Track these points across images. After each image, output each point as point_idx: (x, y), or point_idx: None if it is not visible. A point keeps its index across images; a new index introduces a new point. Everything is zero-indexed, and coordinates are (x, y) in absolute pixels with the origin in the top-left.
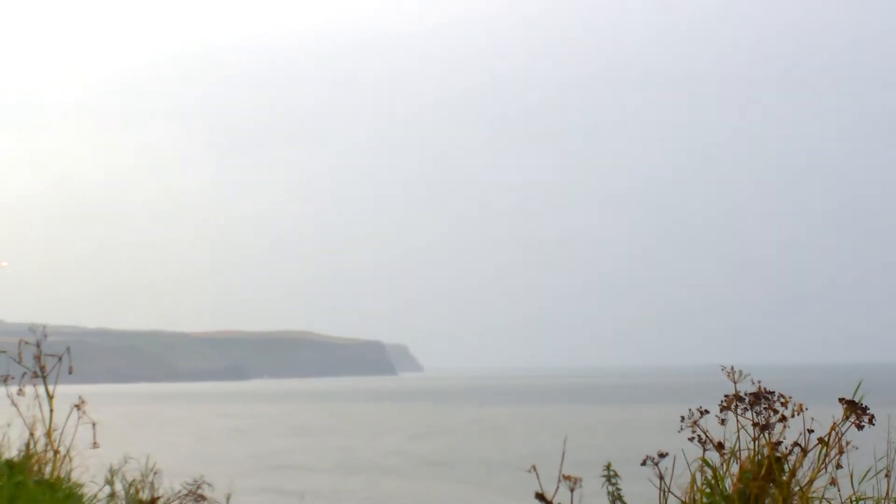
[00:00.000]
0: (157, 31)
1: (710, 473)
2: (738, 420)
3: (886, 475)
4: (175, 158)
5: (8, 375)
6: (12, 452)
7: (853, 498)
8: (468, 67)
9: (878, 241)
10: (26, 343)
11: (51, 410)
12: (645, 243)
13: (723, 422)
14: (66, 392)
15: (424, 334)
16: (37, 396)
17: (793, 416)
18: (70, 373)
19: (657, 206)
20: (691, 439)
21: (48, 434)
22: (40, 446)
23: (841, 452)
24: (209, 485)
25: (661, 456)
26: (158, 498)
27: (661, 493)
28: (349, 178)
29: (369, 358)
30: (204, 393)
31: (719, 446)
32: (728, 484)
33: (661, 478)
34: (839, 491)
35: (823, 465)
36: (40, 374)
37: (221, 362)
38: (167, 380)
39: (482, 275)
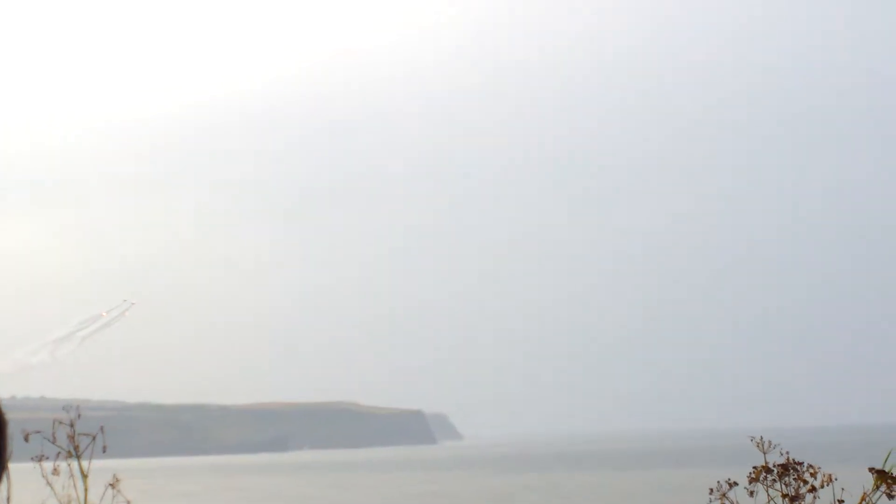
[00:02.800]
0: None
1: None
2: (767, 491)
3: None
4: (217, 229)
5: (42, 456)
6: None
7: None
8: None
9: None
10: (60, 423)
11: (85, 489)
12: (686, 301)
13: (752, 493)
14: (106, 467)
15: (464, 402)
16: (71, 475)
17: (822, 486)
18: (104, 451)
19: (689, 265)
20: None
21: None
22: None
23: None
24: None
25: None
26: None
27: None
28: (388, 245)
29: (409, 427)
30: (241, 465)
31: None
32: None
33: None
34: None
35: None
36: (74, 454)
37: (264, 434)
38: (210, 452)
39: (523, 340)
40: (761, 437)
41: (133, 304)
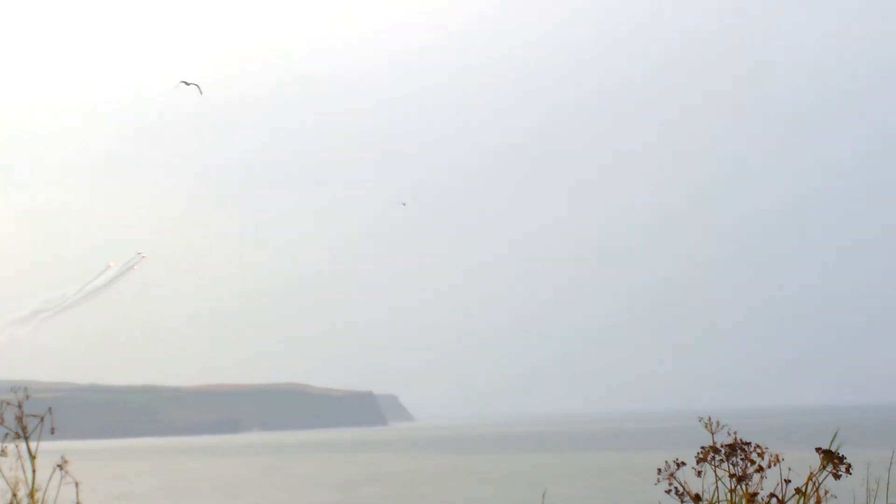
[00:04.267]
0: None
1: None
2: (715, 471)
3: None
4: (164, 211)
5: None
6: None
7: None
8: (471, 121)
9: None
10: (7, 404)
11: (33, 470)
12: (636, 294)
13: (699, 473)
14: (55, 448)
15: (417, 384)
16: (20, 457)
17: (769, 466)
18: (52, 433)
19: (648, 258)
20: (668, 492)
21: (31, 495)
22: None
23: (819, 502)
24: None
25: None
26: None
27: None
28: (339, 231)
29: (360, 409)
30: (190, 447)
31: (696, 498)
32: None
33: None
34: None
35: None
36: (22, 435)
37: (215, 416)
38: (161, 434)
39: (476, 323)
40: (709, 418)
41: (143, 257)
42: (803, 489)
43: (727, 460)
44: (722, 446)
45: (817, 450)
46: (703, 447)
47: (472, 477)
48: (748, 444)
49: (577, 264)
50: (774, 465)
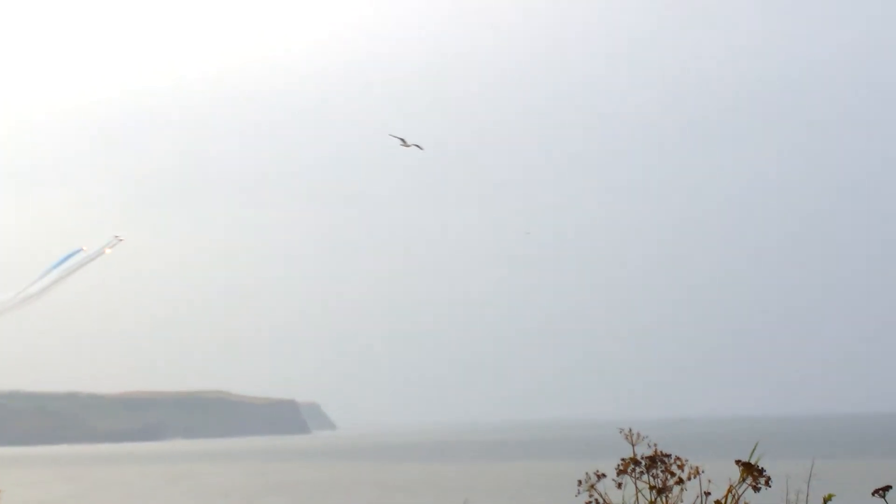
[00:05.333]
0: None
1: None
2: (635, 483)
3: None
4: (87, 217)
5: None
6: None
7: None
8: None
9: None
10: None
11: None
12: (560, 300)
13: (619, 485)
14: None
15: (339, 391)
16: None
17: (689, 478)
18: None
19: (570, 264)
20: (588, 503)
21: None
22: None
23: None
24: None
25: None
26: None
27: None
28: (260, 237)
29: (282, 417)
30: (109, 454)
31: None
32: None
33: None
34: None
35: None
36: None
37: (137, 423)
38: (83, 441)
39: (400, 332)
40: (630, 429)
41: (121, 240)
42: (723, 501)
43: (647, 472)
44: (642, 458)
45: (737, 462)
46: (623, 459)
47: (389, 486)
48: (668, 455)
49: (496, 268)
50: (694, 477)
